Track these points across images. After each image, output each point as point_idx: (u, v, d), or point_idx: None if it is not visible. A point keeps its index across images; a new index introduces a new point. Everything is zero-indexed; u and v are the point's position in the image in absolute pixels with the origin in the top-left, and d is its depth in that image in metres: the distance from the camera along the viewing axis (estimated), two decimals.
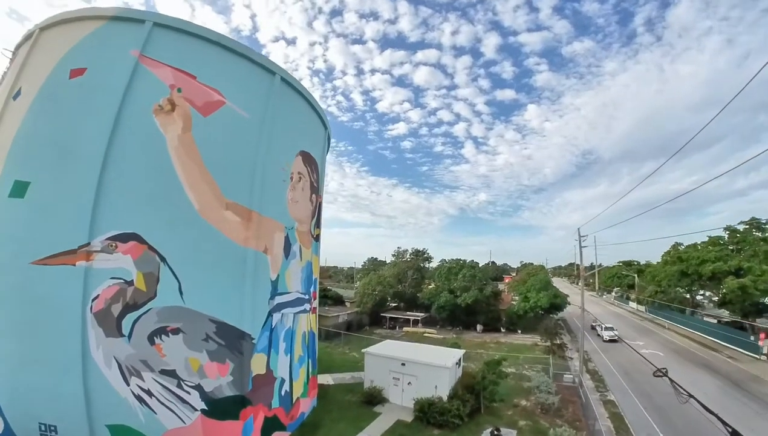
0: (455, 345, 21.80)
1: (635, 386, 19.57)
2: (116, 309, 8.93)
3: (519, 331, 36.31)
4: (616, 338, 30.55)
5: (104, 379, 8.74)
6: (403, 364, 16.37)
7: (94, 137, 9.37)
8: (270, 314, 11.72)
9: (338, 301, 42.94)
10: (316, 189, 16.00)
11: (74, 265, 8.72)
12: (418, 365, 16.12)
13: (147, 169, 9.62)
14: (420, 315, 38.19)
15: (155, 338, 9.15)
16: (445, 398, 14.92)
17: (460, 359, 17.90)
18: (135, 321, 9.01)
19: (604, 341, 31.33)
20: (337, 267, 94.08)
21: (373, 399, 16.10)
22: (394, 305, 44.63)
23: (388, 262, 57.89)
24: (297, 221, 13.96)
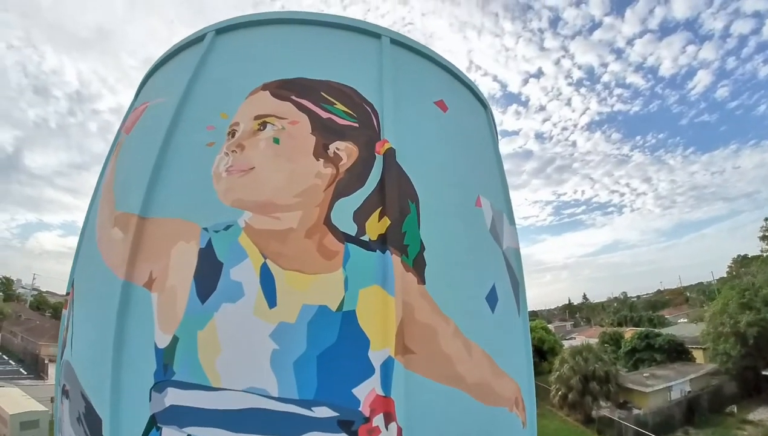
0: None
1: None
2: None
3: None
4: None
5: None
6: None
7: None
8: (155, 425, 2.04)
9: (678, 353, 24.94)
10: (348, 131, 2.41)
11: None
12: None
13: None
14: None
15: (62, 394, 7.77)
16: None
17: None
18: None
19: None
20: (703, 284, 63.33)
21: None
22: None
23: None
24: (252, 208, 2.13)
